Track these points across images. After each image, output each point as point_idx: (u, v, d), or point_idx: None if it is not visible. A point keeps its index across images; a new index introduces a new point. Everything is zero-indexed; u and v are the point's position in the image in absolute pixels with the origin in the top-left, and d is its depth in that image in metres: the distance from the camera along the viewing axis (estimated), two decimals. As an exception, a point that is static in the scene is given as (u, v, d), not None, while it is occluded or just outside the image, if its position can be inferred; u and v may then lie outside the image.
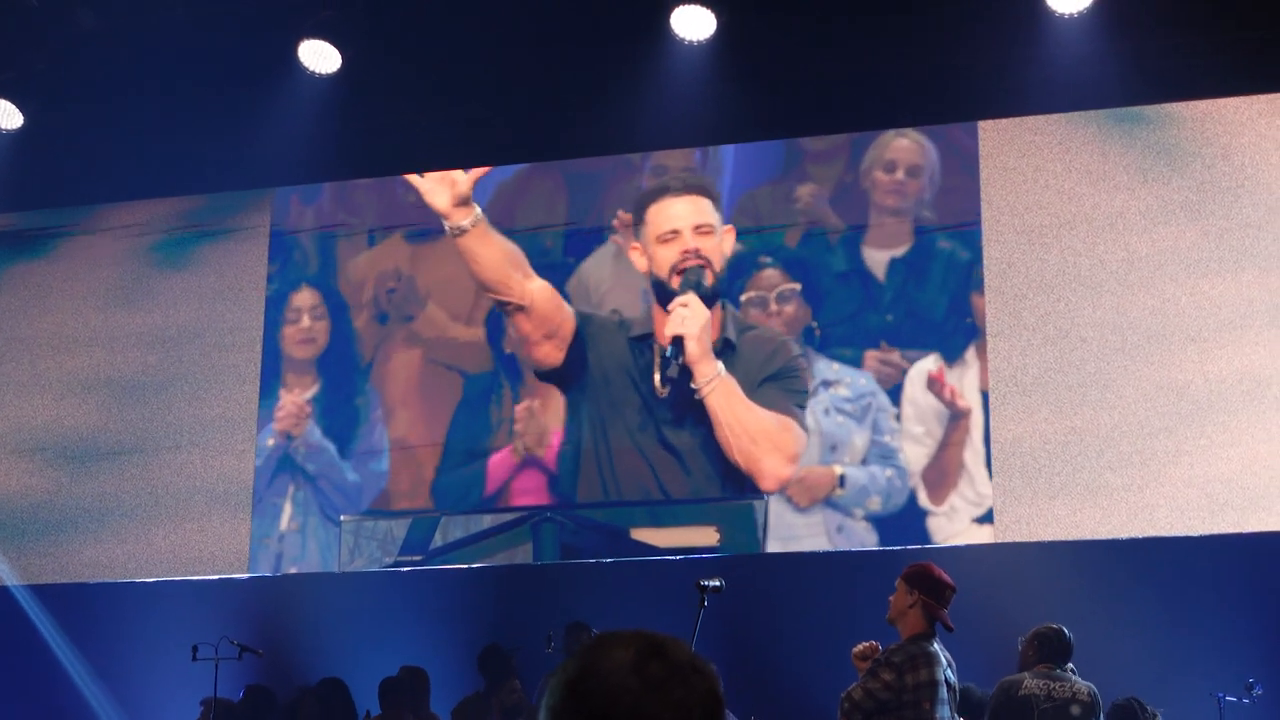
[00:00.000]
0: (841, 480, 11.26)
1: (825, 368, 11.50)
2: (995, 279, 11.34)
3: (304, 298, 12.63)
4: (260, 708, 11.29)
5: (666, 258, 11.65)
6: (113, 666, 12.38)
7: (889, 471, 11.24)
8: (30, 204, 13.36)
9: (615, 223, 12.03)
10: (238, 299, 12.78)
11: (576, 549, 11.66)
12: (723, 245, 11.67)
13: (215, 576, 12.31)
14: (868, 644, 7.65)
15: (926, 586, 7.40)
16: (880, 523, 11.19)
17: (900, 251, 11.59)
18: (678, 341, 11.34)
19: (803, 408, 11.40)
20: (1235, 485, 10.65)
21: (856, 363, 11.45)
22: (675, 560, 11.23)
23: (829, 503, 11.27)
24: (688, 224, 11.68)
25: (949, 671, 7.42)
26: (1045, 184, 11.45)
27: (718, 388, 11.32)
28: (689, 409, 11.47)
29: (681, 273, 11.54)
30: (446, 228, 12.16)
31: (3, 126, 12.73)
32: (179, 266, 13.00)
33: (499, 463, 11.94)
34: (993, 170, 11.55)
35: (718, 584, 7.33)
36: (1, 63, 12.37)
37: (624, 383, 11.62)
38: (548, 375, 11.88)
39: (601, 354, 11.74)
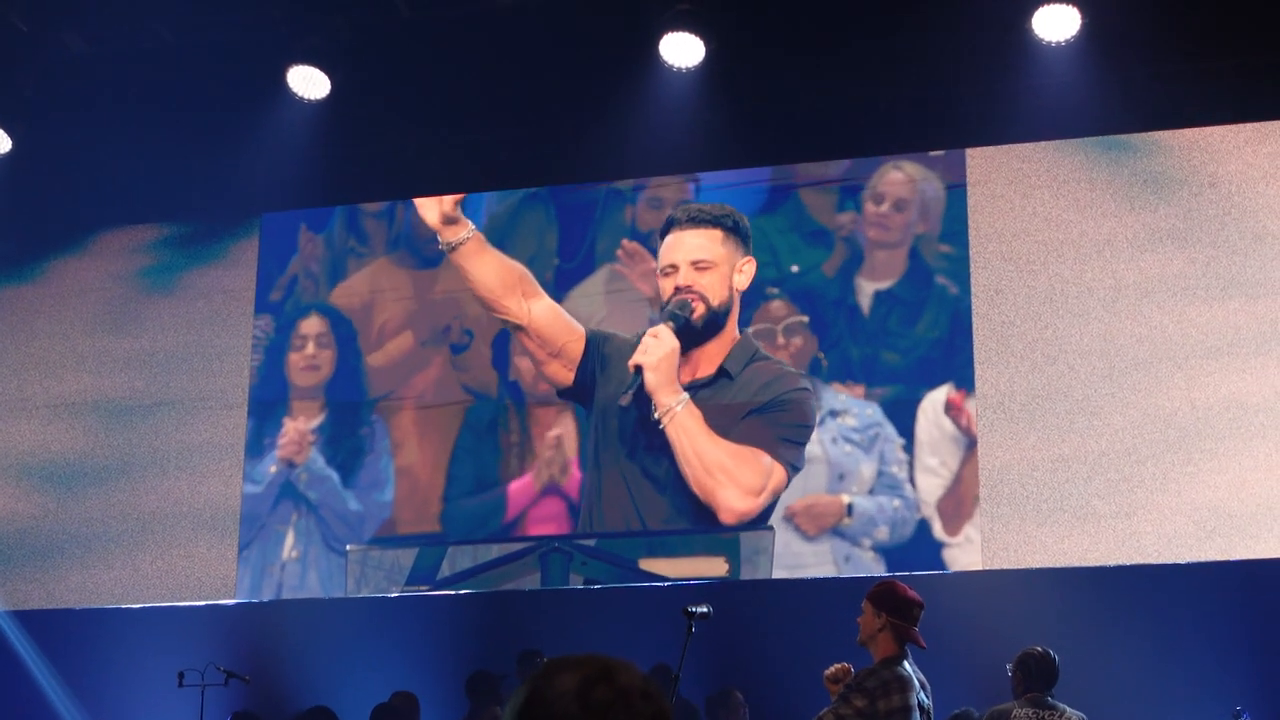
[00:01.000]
0: (849, 509, 11.25)
1: (833, 398, 11.47)
2: (983, 305, 11.36)
3: (311, 324, 12.60)
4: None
5: (665, 290, 11.69)
6: (99, 692, 12.34)
7: (896, 502, 11.21)
8: (18, 228, 13.35)
9: (619, 253, 12.03)
10: (225, 324, 12.76)
11: (585, 579, 11.63)
12: (734, 278, 11.61)
13: (202, 602, 12.27)
14: (839, 666, 7.53)
15: (892, 606, 7.27)
16: (888, 553, 11.16)
17: (887, 284, 11.59)
18: (639, 370, 11.36)
19: (793, 441, 11.35)
20: (1222, 512, 10.66)
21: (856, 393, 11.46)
22: (665, 586, 11.22)
23: (836, 532, 11.25)
24: (685, 259, 11.66)
25: (922, 694, 7.33)
26: (1033, 211, 11.48)
27: (676, 419, 11.31)
28: (665, 438, 11.49)
29: (664, 305, 11.58)
30: (440, 244, 12.18)
31: (-9, 151, 12.72)
32: (167, 291, 12.99)
33: (520, 490, 11.89)
34: (980, 198, 11.57)
35: (705, 610, 7.30)
36: (-10, 87, 12.37)
37: (618, 408, 11.62)
38: (565, 393, 11.90)
39: (610, 376, 11.74)
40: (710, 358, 11.54)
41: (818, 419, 11.43)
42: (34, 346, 13.15)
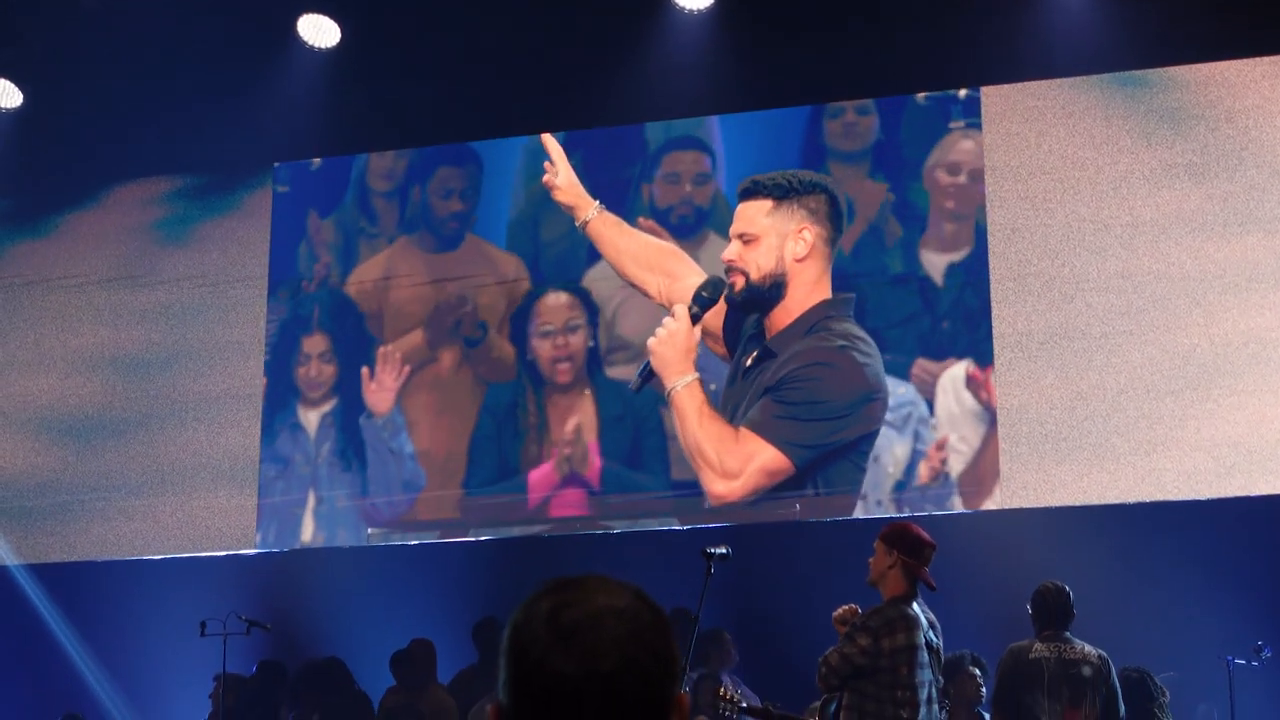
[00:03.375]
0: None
1: None
2: (999, 244, 11.31)
3: (315, 343, 12.50)
4: (272, 682, 11.32)
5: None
6: (120, 644, 12.40)
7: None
8: (32, 182, 13.34)
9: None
10: (240, 274, 12.76)
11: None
12: (786, 248, 11.04)
13: (222, 552, 12.31)
14: (847, 607, 7.56)
15: (905, 546, 7.31)
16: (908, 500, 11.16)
17: (960, 256, 11.46)
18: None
19: (795, 419, 11.03)
20: (1242, 448, 10.63)
21: (902, 370, 11.22)
22: (682, 530, 11.23)
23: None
24: (734, 232, 11.22)
25: (930, 633, 7.33)
26: (1049, 149, 11.41)
27: (674, 399, 11.08)
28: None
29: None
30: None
31: (3, 105, 12.71)
32: (181, 243, 12.98)
33: (541, 478, 11.83)
34: (996, 136, 11.51)
35: (724, 551, 7.31)
36: (1, 41, 12.35)
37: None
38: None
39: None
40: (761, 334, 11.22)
41: (861, 394, 11.13)
42: (50, 300, 13.16)
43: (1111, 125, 11.33)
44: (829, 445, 11.10)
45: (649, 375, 10.86)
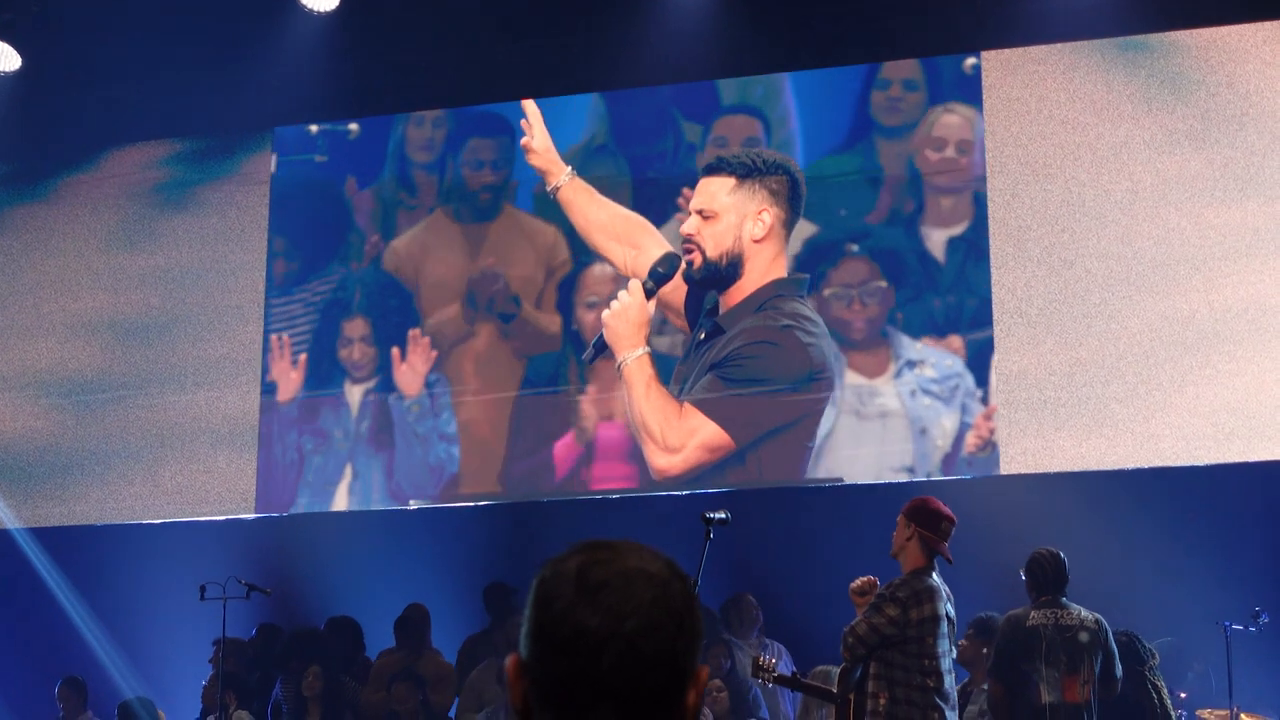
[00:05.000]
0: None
1: (909, 347, 11.24)
2: (999, 210, 11.30)
3: (355, 327, 12.48)
4: (273, 646, 11.36)
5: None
6: (121, 607, 12.42)
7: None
8: (30, 146, 13.31)
9: (680, 200, 11.75)
10: (240, 239, 12.75)
11: None
12: (744, 228, 11.12)
13: (222, 517, 12.33)
14: (865, 579, 7.73)
15: (923, 519, 7.49)
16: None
17: (960, 229, 11.43)
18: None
19: (737, 396, 11.08)
20: (1241, 414, 10.64)
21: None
22: (683, 495, 11.24)
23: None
24: (694, 207, 11.28)
25: (948, 605, 7.48)
26: (1049, 114, 11.39)
27: (625, 371, 11.14)
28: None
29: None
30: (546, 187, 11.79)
31: (1, 69, 12.68)
32: (181, 207, 12.97)
33: (565, 449, 11.82)
34: (996, 101, 11.49)
35: (723, 516, 7.34)
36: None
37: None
38: None
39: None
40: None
41: (804, 373, 11.17)
42: (49, 264, 13.15)
43: (1112, 90, 11.31)
44: (771, 424, 11.15)
45: (601, 348, 11.00)
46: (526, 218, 12.19)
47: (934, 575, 7.47)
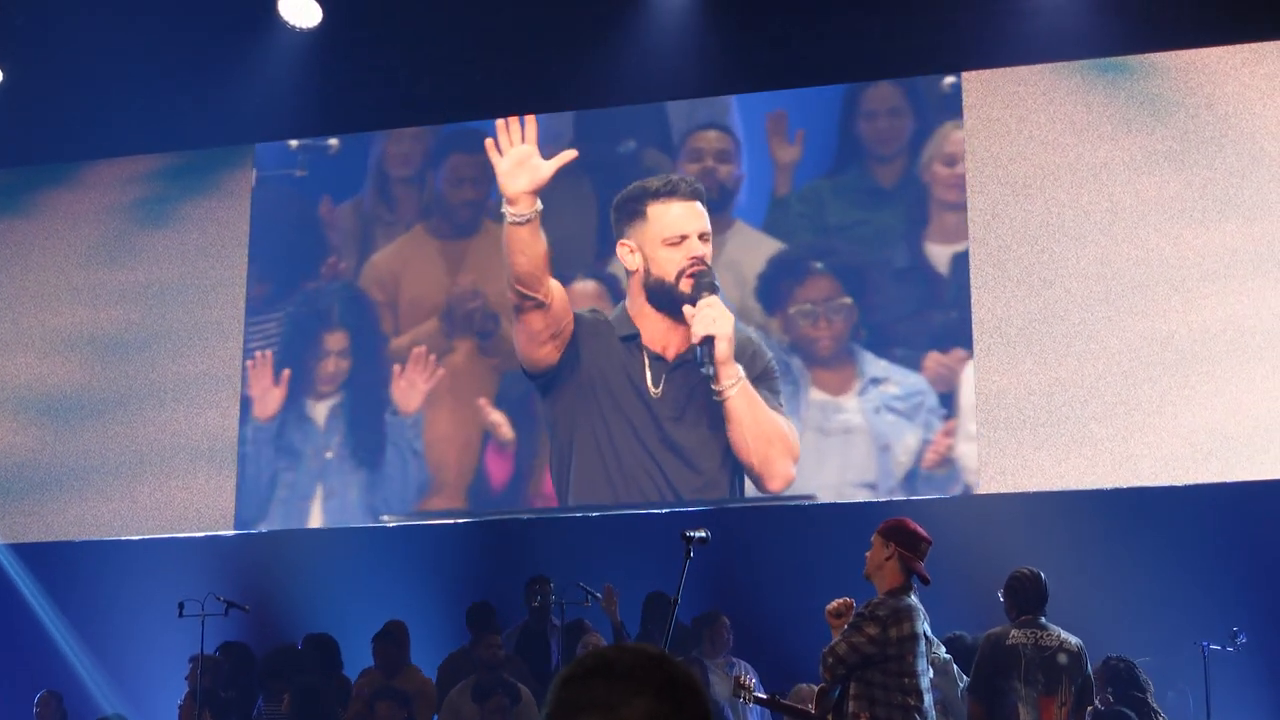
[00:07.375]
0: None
1: (873, 364, 11.31)
2: (979, 230, 11.32)
3: (335, 340, 12.47)
4: (244, 663, 11.31)
5: (673, 261, 11.37)
6: (98, 624, 12.39)
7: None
8: (10, 160, 13.29)
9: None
10: (220, 255, 12.73)
11: None
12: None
13: (201, 534, 12.30)
14: (842, 601, 7.70)
15: (902, 539, 7.45)
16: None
17: (964, 246, 11.43)
18: (709, 342, 11.16)
19: (782, 407, 11.33)
20: (1219, 434, 10.66)
21: (913, 363, 11.26)
22: (662, 513, 11.24)
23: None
24: (694, 230, 11.37)
25: (926, 624, 7.49)
26: (1029, 135, 11.43)
27: (742, 389, 11.19)
28: (688, 407, 11.36)
29: (693, 276, 11.33)
30: (506, 213, 11.59)
31: (-18, 83, 12.66)
32: (161, 223, 12.95)
33: (497, 466, 11.83)
34: (976, 121, 11.52)
35: (703, 535, 7.32)
36: (-20, 19, 12.30)
37: (622, 382, 11.48)
38: (538, 376, 11.66)
39: (596, 353, 11.55)
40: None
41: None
42: (28, 280, 13.12)
43: (1092, 112, 11.35)
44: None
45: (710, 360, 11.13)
46: None
47: (912, 595, 7.47)
